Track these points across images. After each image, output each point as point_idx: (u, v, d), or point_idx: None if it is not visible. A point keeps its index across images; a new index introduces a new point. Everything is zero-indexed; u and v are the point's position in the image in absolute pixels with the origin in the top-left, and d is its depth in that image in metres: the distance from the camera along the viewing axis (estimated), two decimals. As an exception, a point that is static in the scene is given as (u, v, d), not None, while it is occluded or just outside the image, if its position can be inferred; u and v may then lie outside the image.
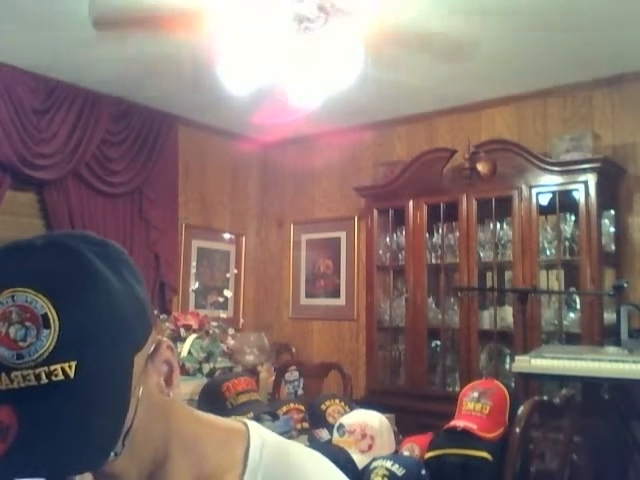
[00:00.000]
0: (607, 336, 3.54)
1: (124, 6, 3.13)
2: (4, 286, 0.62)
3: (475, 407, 2.23)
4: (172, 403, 0.73)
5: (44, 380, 0.60)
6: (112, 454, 0.61)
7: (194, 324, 3.32)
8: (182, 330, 3.26)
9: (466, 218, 4.06)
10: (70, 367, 0.60)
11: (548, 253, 3.83)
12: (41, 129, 4.02)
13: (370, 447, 2.37)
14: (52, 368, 0.60)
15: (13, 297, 0.61)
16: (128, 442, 0.63)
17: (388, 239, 4.47)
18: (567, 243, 3.76)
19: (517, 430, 2.05)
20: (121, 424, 0.63)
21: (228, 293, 4.51)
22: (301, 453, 0.83)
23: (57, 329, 0.60)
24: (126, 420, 0.63)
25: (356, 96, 3.92)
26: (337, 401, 2.88)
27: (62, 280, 0.63)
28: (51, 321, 0.60)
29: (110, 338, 0.63)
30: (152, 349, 0.70)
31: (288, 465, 0.79)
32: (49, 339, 0.60)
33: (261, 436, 0.81)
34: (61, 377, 0.60)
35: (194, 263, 4.89)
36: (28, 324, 0.60)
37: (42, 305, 0.61)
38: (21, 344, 0.60)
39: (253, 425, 0.83)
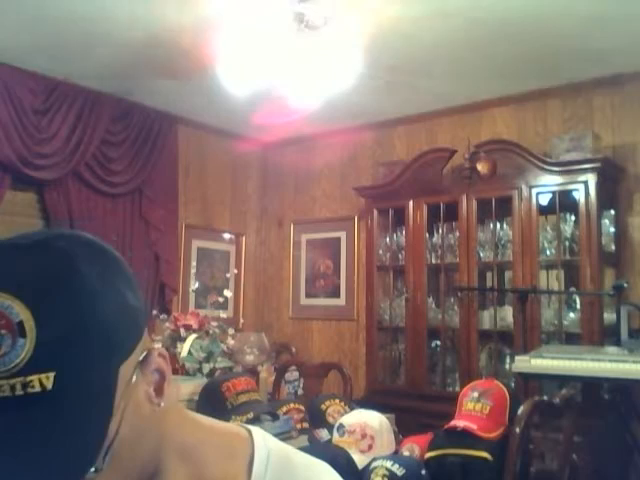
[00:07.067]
0: (607, 336, 3.54)
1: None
2: None
3: (475, 407, 2.23)
4: (166, 411, 0.68)
5: (19, 391, 0.55)
6: (92, 470, 0.57)
7: (194, 324, 3.32)
8: (182, 330, 3.26)
9: (466, 218, 4.06)
10: (48, 378, 0.55)
11: (548, 253, 3.83)
12: (41, 129, 4.01)
13: (370, 447, 2.37)
14: (28, 379, 0.55)
15: None
16: (111, 457, 0.59)
17: (388, 239, 4.46)
18: (567, 243, 3.76)
19: (517, 430, 2.05)
20: (102, 439, 0.58)
21: (228, 293, 4.50)
22: (308, 464, 0.79)
23: (34, 338, 0.55)
24: (108, 434, 0.59)
25: (356, 96, 3.92)
26: (337, 401, 2.88)
27: (43, 285, 0.58)
28: (27, 329, 0.55)
29: (93, 348, 0.58)
30: (142, 357, 0.65)
31: (294, 477, 0.75)
32: (25, 349, 0.55)
33: (266, 445, 0.76)
34: (38, 389, 0.55)
35: (194, 263, 4.88)
36: (3, 332, 0.55)
37: (18, 312, 0.56)
38: None
39: (257, 432, 0.78)
